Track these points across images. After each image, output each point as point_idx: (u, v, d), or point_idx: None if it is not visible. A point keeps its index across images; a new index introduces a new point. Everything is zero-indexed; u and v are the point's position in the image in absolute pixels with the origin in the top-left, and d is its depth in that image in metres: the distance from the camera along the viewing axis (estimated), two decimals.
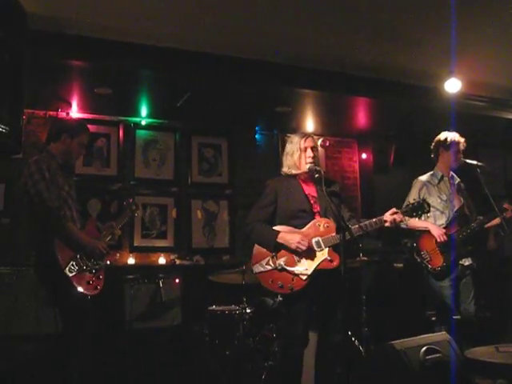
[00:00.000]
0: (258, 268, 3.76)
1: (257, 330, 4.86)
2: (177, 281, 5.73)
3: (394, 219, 3.69)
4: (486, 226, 4.66)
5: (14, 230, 5.72)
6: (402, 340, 3.48)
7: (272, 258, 3.71)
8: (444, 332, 3.89)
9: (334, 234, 3.68)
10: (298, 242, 3.60)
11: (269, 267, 3.71)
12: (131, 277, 5.58)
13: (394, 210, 3.73)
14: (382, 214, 3.74)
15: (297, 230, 3.72)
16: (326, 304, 3.74)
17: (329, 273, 3.65)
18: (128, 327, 5.35)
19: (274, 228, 3.73)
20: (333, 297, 3.71)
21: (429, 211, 3.83)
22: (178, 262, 6.47)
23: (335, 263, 3.66)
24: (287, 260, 3.67)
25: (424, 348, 3.37)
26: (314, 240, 3.67)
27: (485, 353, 3.52)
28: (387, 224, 3.70)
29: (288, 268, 3.66)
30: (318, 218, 3.76)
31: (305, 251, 3.63)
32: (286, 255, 3.68)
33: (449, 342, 3.60)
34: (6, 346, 4.68)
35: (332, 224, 3.73)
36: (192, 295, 5.72)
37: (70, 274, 3.56)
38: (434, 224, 4.65)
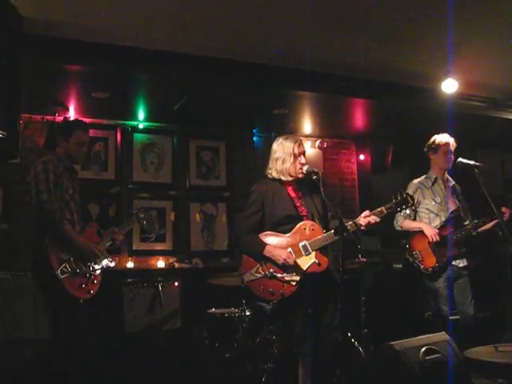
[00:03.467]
0: (248, 277, 3.76)
1: (256, 332, 4.85)
2: (176, 284, 5.73)
3: (369, 222, 3.70)
4: (482, 228, 4.66)
5: (13, 235, 5.72)
6: (401, 341, 3.47)
7: (261, 265, 3.71)
8: (443, 332, 3.88)
9: (319, 236, 3.68)
10: (285, 260, 3.61)
11: (259, 275, 3.70)
12: (130, 280, 5.58)
13: (366, 212, 3.74)
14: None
15: (283, 235, 3.71)
16: (320, 305, 3.73)
17: (319, 275, 3.67)
18: (127, 331, 5.34)
19: (261, 236, 3.72)
20: (326, 298, 3.72)
21: (413, 204, 3.84)
22: (176, 265, 6.47)
23: (323, 266, 3.67)
24: (276, 268, 3.67)
25: (423, 348, 3.37)
26: (300, 244, 3.67)
27: (484, 352, 3.52)
28: (363, 228, 3.71)
29: (278, 275, 3.66)
30: (304, 221, 3.73)
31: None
32: (273, 263, 3.67)
33: (448, 343, 3.59)
34: (5, 350, 4.68)
35: (317, 226, 3.73)
36: (191, 298, 5.72)
37: (62, 276, 3.55)
38: (428, 224, 4.67)
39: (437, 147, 4.79)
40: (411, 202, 3.78)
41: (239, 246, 3.83)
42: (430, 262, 4.56)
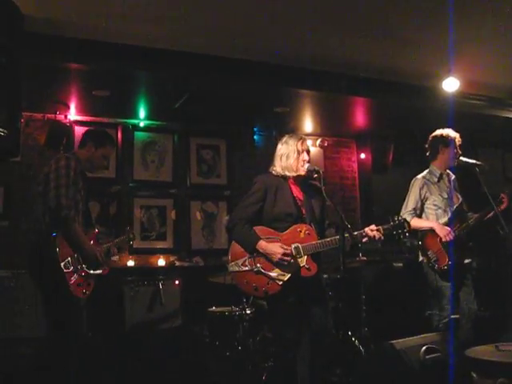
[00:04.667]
0: (233, 267, 3.71)
1: (257, 330, 4.85)
2: (176, 282, 5.73)
3: (374, 236, 3.65)
4: (487, 217, 4.64)
5: (13, 232, 5.73)
6: (402, 339, 3.48)
7: (249, 258, 3.66)
8: (444, 331, 3.89)
9: (314, 241, 3.65)
10: (281, 259, 3.56)
11: (245, 268, 3.65)
12: (131, 279, 5.59)
13: (373, 226, 3.69)
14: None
15: (276, 233, 3.67)
16: (310, 309, 3.71)
17: (306, 279, 3.64)
18: (128, 329, 5.34)
19: (256, 229, 3.68)
20: (316, 301, 3.71)
21: (409, 231, 3.79)
22: (177, 263, 6.48)
23: (312, 272, 3.63)
24: (264, 263, 3.62)
25: (424, 347, 3.38)
26: (293, 246, 3.63)
27: (485, 352, 3.52)
28: (365, 240, 3.67)
29: (264, 271, 3.61)
30: (301, 223, 3.70)
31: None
32: (264, 258, 3.63)
33: (448, 342, 3.60)
34: (5, 348, 4.68)
35: (313, 232, 3.69)
36: (192, 296, 5.72)
37: (64, 270, 3.57)
38: (439, 223, 4.64)
39: (450, 141, 4.67)
40: (407, 229, 3.74)
41: (232, 233, 3.77)
42: (444, 260, 4.52)
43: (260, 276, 3.62)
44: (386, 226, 3.73)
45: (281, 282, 3.59)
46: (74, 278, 3.64)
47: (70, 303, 3.64)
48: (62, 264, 3.57)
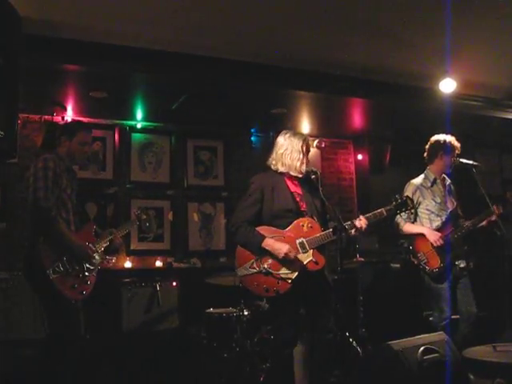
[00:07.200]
0: (242, 271, 3.70)
1: (254, 332, 4.85)
2: (174, 284, 5.72)
3: (361, 226, 3.71)
4: (479, 225, 4.66)
5: (11, 234, 5.72)
6: (399, 340, 3.48)
7: (256, 260, 3.66)
8: (441, 332, 3.89)
9: (318, 234, 3.66)
10: (286, 254, 3.56)
11: (253, 270, 3.65)
12: (128, 280, 5.58)
13: (362, 216, 3.75)
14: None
15: (280, 230, 3.67)
16: (313, 304, 3.73)
17: (313, 275, 3.65)
18: (125, 330, 5.34)
19: (258, 229, 3.68)
20: (320, 299, 3.72)
21: (413, 207, 3.87)
22: (174, 264, 6.47)
23: (321, 265, 3.65)
24: (272, 263, 3.63)
25: (422, 348, 3.38)
26: (297, 241, 3.64)
27: (482, 352, 3.53)
28: (353, 231, 3.71)
29: (273, 271, 3.61)
30: (302, 217, 3.71)
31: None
32: (270, 258, 3.63)
33: (446, 342, 3.60)
34: (4, 350, 4.68)
35: (316, 224, 3.70)
36: (189, 298, 5.71)
37: (54, 276, 3.52)
38: (430, 228, 4.64)
39: (450, 149, 4.68)
40: (411, 205, 3.81)
41: (235, 237, 3.75)
42: (435, 262, 4.53)
43: (269, 277, 3.63)
44: (388, 207, 3.78)
45: (290, 280, 3.60)
46: (65, 282, 3.59)
47: (64, 307, 3.61)
48: (51, 270, 3.52)
